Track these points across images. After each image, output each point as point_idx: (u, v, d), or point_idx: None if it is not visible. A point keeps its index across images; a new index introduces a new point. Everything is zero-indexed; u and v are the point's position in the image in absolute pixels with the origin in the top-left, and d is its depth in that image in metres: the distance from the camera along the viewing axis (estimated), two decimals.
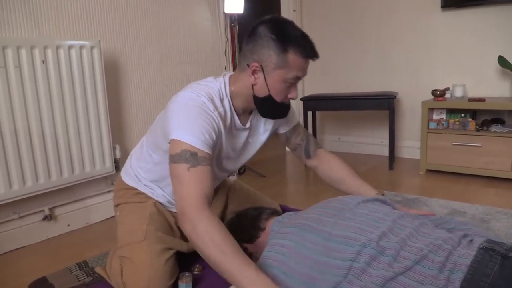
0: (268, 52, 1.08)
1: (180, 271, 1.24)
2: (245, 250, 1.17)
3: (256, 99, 1.16)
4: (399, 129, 3.00)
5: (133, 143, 2.20)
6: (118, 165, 1.99)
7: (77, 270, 1.41)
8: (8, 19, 1.68)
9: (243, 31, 3.28)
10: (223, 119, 1.14)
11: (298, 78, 1.13)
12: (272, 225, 1.20)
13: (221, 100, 1.15)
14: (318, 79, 3.27)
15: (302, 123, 2.59)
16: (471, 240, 0.92)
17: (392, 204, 1.16)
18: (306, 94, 3.15)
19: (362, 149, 3.23)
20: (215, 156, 1.18)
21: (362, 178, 1.40)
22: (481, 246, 0.86)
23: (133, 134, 2.22)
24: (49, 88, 1.68)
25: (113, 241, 1.44)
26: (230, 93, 1.17)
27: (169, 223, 1.32)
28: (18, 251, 1.67)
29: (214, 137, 1.08)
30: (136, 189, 1.34)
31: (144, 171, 1.32)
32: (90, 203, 1.95)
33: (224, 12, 2.76)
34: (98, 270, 1.35)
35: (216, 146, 1.12)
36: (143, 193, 1.33)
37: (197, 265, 1.34)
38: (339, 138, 3.36)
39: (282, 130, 1.43)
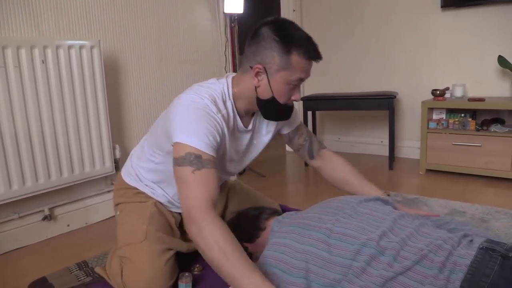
0: (271, 54, 1.07)
1: (180, 271, 1.24)
2: (245, 249, 1.17)
3: (259, 101, 1.15)
4: (399, 129, 3.00)
5: (133, 143, 2.20)
6: (118, 165, 1.99)
7: (77, 270, 1.41)
8: (8, 19, 1.68)
9: (243, 31, 3.30)
10: (227, 122, 1.13)
11: (301, 80, 1.12)
12: (272, 225, 1.20)
13: (224, 102, 1.14)
14: (318, 79, 3.27)
15: None
16: (471, 240, 0.92)
17: (393, 204, 1.16)
18: (306, 94, 3.15)
19: (362, 149, 3.23)
20: (219, 159, 1.18)
21: (367, 178, 1.38)
22: (481, 246, 0.86)
23: (133, 134, 2.22)
24: (48, 88, 1.68)
25: (113, 241, 1.43)
26: (232, 95, 1.17)
27: (169, 223, 1.32)
28: (18, 251, 1.67)
29: (218, 139, 1.08)
30: (136, 188, 1.34)
31: (145, 171, 1.31)
32: (90, 203, 1.95)
33: (224, 12, 2.76)
34: (97, 270, 1.35)
35: (220, 148, 1.12)
36: (143, 193, 1.33)
37: (197, 265, 1.34)
38: (339, 138, 3.36)
39: (285, 131, 1.42)
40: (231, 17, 2.85)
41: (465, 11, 2.59)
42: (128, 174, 1.36)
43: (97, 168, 1.89)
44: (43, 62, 1.66)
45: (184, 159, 1.00)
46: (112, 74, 2.10)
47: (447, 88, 2.56)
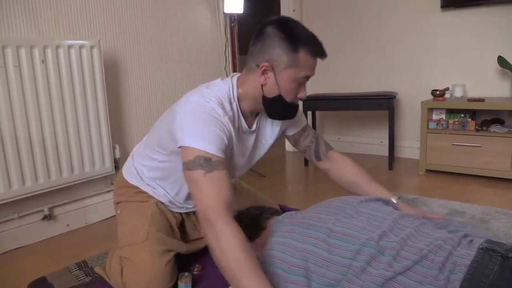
0: (278, 52, 1.07)
1: (180, 271, 1.24)
2: None
3: (265, 100, 1.15)
4: (398, 129, 3.00)
5: (133, 142, 2.20)
6: (117, 165, 1.99)
7: (76, 270, 1.41)
8: (8, 18, 1.68)
9: (243, 31, 3.29)
10: (233, 123, 1.13)
11: (307, 78, 1.13)
12: (273, 224, 1.20)
13: (230, 104, 1.14)
14: (318, 79, 3.25)
15: None
16: (471, 241, 0.92)
17: (393, 204, 1.16)
18: (306, 94, 3.14)
19: (362, 149, 3.23)
20: (227, 161, 1.17)
21: (376, 180, 1.36)
22: (481, 247, 0.86)
23: (133, 133, 2.22)
24: (48, 87, 1.68)
25: (112, 241, 1.44)
26: (237, 95, 1.16)
27: (170, 224, 1.32)
28: (18, 250, 1.67)
29: (226, 141, 1.07)
30: (137, 187, 1.33)
31: (147, 169, 1.31)
32: (89, 203, 1.95)
33: (224, 12, 2.76)
34: (97, 270, 1.35)
35: (227, 150, 1.11)
36: (144, 192, 1.32)
37: (197, 265, 1.34)
38: (339, 138, 3.36)
39: (291, 132, 1.41)
40: (231, 17, 2.85)
41: (465, 11, 2.59)
42: (129, 173, 1.36)
43: (97, 168, 1.89)
44: (43, 62, 1.66)
45: (194, 163, 0.99)
46: (112, 74, 2.10)
47: (447, 89, 2.56)
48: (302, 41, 1.07)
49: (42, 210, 1.76)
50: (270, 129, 1.32)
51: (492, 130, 2.33)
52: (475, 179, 2.34)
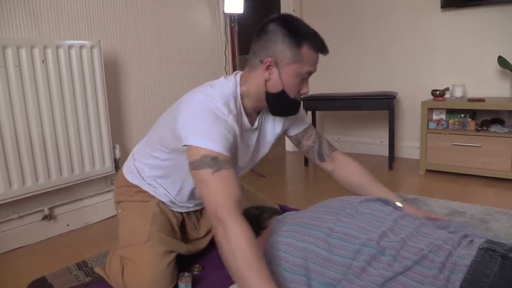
0: (282, 47, 1.09)
1: (180, 271, 1.24)
2: None
3: (268, 96, 1.15)
4: (398, 129, 3.00)
5: (133, 142, 2.20)
6: (117, 165, 1.99)
7: (76, 270, 1.41)
8: (8, 19, 1.68)
9: (243, 31, 3.28)
10: (237, 122, 1.13)
11: (310, 73, 1.14)
12: (273, 224, 1.20)
13: (234, 102, 1.14)
14: (318, 79, 3.27)
15: None
16: (471, 241, 0.92)
17: (394, 204, 1.16)
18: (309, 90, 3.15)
19: (362, 149, 3.23)
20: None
21: (381, 182, 1.35)
22: (481, 247, 0.86)
23: (133, 133, 2.22)
24: (49, 87, 1.68)
25: (112, 241, 1.44)
26: (240, 93, 1.17)
27: (171, 224, 1.32)
28: (18, 250, 1.67)
29: (231, 139, 1.07)
30: (138, 187, 1.33)
31: (149, 168, 1.30)
32: (89, 203, 1.95)
33: (224, 12, 2.76)
34: (97, 270, 1.35)
35: (232, 149, 1.11)
36: (145, 191, 1.32)
37: (197, 265, 1.34)
38: (339, 138, 3.36)
39: (293, 133, 1.40)
40: (231, 17, 2.85)
41: (465, 11, 2.59)
42: (130, 172, 1.35)
43: (97, 168, 1.89)
44: (43, 62, 1.66)
45: (201, 162, 0.99)
46: (112, 74, 2.10)
47: (447, 89, 2.56)
48: (305, 37, 1.09)
49: (42, 210, 1.76)
50: (272, 128, 1.32)
51: (492, 130, 2.33)
52: (475, 179, 2.34)
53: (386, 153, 2.92)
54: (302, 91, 1.17)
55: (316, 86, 3.30)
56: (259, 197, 1.64)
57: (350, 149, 3.27)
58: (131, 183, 1.33)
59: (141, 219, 1.26)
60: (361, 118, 3.22)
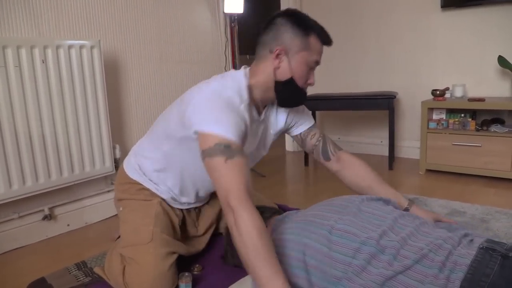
0: (291, 36, 1.13)
1: (180, 271, 1.24)
2: None
3: (277, 85, 1.17)
4: (398, 129, 3.00)
5: (133, 142, 2.20)
6: (118, 164, 1.99)
7: (75, 270, 1.41)
8: (8, 19, 1.68)
9: (243, 31, 3.28)
10: (249, 112, 1.14)
11: (317, 63, 1.17)
12: (274, 224, 1.20)
13: (245, 92, 1.15)
14: (318, 79, 3.26)
15: None
16: (472, 240, 0.92)
17: (394, 204, 1.16)
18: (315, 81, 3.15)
19: (362, 149, 3.23)
20: None
21: (389, 184, 1.34)
22: (481, 246, 0.86)
23: (133, 133, 2.22)
24: (49, 87, 1.68)
25: (112, 241, 1.43)
26: (249, 85, 1.17)
27: (173, 224, 1.32)
28: (18, 250, 1.67)
29: (243, 128, 1.09)
30: (140, 183, 1.32)
31: (151, 162, 1.29)
32: (89, 203, 1.95)
33: (224, 12, 2.77)
34: (97, 270, 1.34)
35: (244, 138, 1.11)
36: (147, 189, 1.32)
37: (197, 265, 1.34)
38: (339, 138, 3.36)
39: (297, 132, 1.40)
40: (231, 17, 2.85)
41: (465, 11, 2.59)
42: (131, 168, 1.34)
43: (97, 168, 1.89)
44: (43, 62, 1.66)
45: (214, 150, 1.00)
46: (112, 74, 2.10)
47: (447, 88, 2.56)
48: (312, 27, 1.14)
49: (42, 210, 1.76)
50: (275, 122, 1.33)
51: (492, 130, 2.33)
52: (475, 179, 2.34)
53: (386, 153, 2.92)
54: (309, 81, 1.19)
55: (316, 86, 3.29)
56: (258, 198, 1.64)
57: (350, 149, 3.27)
58: (132, 179, 1.33)
59: (143, 218, 1.26)
60: (361, 118, 3.22)
